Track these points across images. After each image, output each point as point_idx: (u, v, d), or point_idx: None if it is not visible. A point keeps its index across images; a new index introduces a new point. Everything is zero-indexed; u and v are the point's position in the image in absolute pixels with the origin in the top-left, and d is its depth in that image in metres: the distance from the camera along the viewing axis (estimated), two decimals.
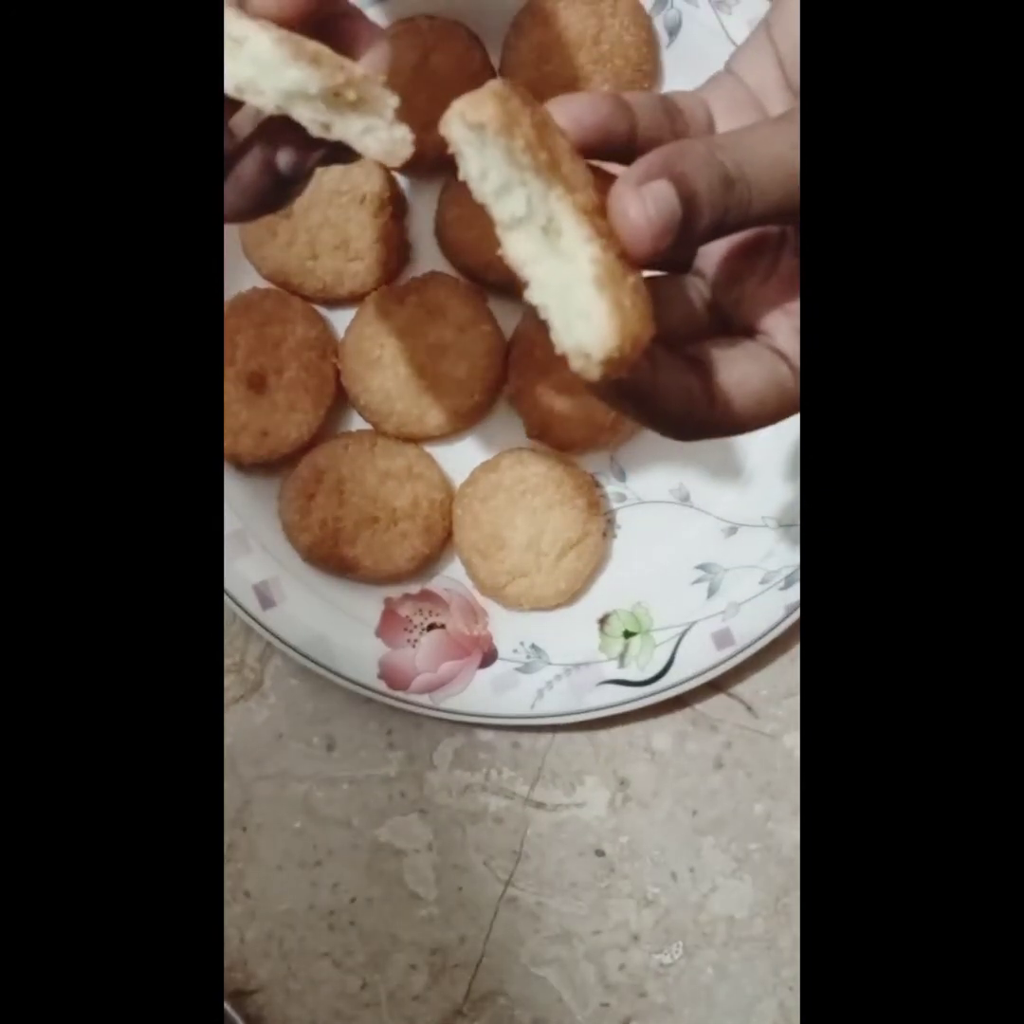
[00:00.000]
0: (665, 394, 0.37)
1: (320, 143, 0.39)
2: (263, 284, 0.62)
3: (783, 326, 0.40)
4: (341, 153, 0.40)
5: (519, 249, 0.34)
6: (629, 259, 0.35)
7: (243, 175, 0.41)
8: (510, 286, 0.62)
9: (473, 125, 0.34)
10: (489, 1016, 0.63)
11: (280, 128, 0.40)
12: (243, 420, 0.60)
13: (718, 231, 0.36)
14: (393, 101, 0.38)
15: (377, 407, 0.61)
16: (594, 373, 0.34)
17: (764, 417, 0.40)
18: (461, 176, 0.35)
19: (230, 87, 0.37)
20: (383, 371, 0.60)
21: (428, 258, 0.63)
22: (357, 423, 0.63)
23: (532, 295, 0.34)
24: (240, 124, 0.42)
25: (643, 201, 0.34)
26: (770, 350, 0.40)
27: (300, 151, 0.40)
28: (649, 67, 0.60)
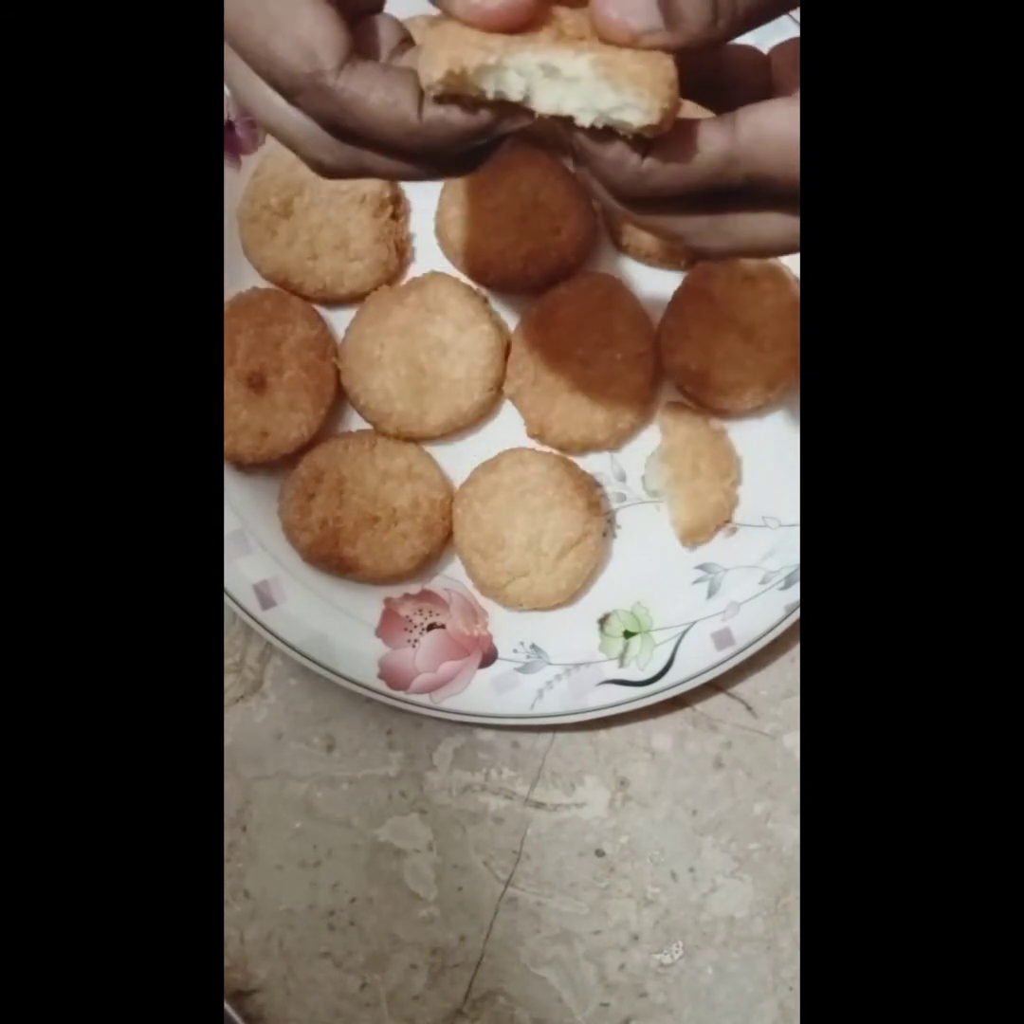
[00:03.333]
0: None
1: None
2: (263, 284, 0.62)
3: None
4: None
5: (544, 102, 0.35)
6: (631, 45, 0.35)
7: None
8: (510, 286, 0.62)
9: (445, 81, 0.35)
10: (489, 1016, 0.63)
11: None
12: (243, 420, 0.60)
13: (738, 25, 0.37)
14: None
15: (377, 407, 0.61)
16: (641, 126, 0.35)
17: (790, 163, 0.37)
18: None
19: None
20: (383, 371, 0.60)
21: (428, 258, 0.63)
22: (357, 423, 0.63)
23: (581, 123, 0.35)
24: None
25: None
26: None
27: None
28: None
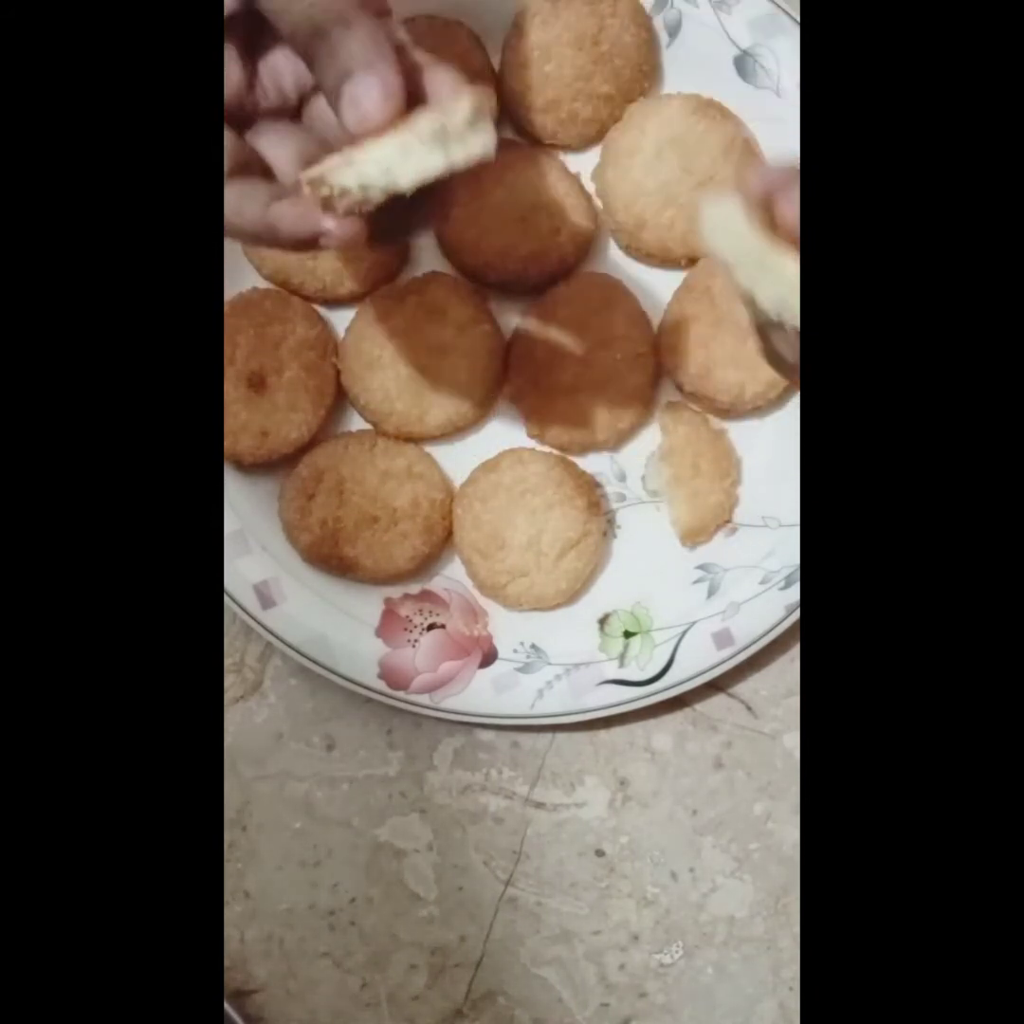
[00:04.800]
0: None
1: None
2: (263, 284, 0.62)
3: None
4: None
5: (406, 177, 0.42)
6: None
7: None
8: (510, 286, 0.62)
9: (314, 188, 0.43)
10: (489, 1016, 0.63)
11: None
12: (243, 420, 0.60)
13: None
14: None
15: (377, 407, 0.61)
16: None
17: None
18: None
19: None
20: (383, 371, 0.60)
21: (428, 258, 0.63)
22: (357, 423, 0.63)
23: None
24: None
25: None
26: None
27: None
28: (649, 67, 0.60)
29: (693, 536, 0.62)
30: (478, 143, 0.43)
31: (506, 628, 0.62)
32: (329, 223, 0.44)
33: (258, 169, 0.47)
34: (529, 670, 0.62)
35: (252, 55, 0.47)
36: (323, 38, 0.43)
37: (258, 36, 0.46)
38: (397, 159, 0.42)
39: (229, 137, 0.45)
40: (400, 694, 0.61)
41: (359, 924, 0.63)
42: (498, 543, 0.60)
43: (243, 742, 0.63)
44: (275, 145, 0.48)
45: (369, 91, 0.43)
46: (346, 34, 0.43)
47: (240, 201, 0.45)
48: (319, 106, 0.48)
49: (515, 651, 0.62)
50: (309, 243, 0.45)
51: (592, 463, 0.63)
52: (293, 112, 0.49)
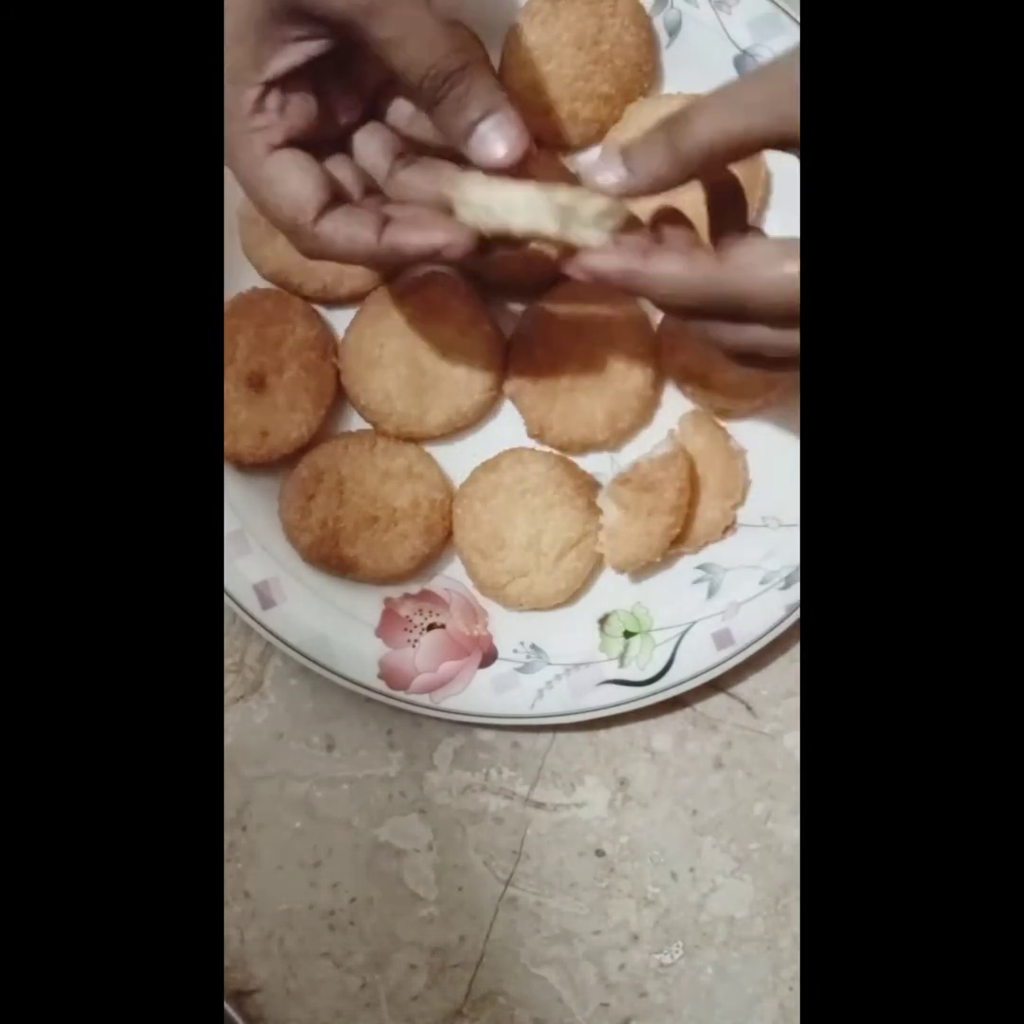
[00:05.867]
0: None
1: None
2: (263, 284, 0.62)
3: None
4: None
5: (517, 223, 0.47)
6: None
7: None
8: (510, 286, 0.62)
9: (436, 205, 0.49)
10: (489, 1016, 0.63)
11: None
12: (243, 420, 0.60)
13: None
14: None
15: (377, 407, 0.61)
16: None
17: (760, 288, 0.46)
18: None
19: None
20: (383, 371, 0.60)
21: None
22: (357, 423, 0.63)
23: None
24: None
25: None
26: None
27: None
28: (649, 67, 0.60)
29: (627, 566, 0.60)
30: (594, 237, 0.47)
31: (506, 628, 0.62)
32: (453, 235, 0.48)
33: (345, 196, 0.51)
34: (529, 670, 0.62)
35: (323, 93, 0.51)
36: (453, 85, 0.47)
37: (329, 76, 0.50)
38: (521, 205, 0.46)
39: (318, 169, 0.49)
40: (400, 694, 0.61)
41: (359, 924, 0.63)
42: (498, 543, 0.60)
43: (243, 742, 0.63)
44: (336, 170, 0.51)
45: (504, 130, 0.48)
46: (475, 81, 0.47)
47: (350, 229, 0.49)
48: (362, 136, 0.53)
49: (515, 651, 0.62)
50: (431, 257, 0.49)
51: (592, 463, 0.63)
52: (337, 142, 0.52)
